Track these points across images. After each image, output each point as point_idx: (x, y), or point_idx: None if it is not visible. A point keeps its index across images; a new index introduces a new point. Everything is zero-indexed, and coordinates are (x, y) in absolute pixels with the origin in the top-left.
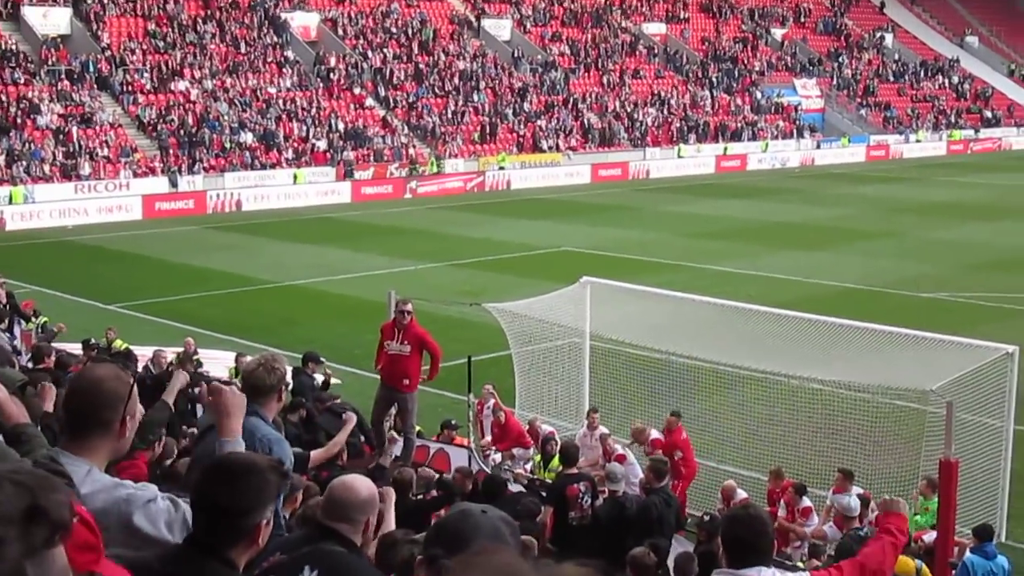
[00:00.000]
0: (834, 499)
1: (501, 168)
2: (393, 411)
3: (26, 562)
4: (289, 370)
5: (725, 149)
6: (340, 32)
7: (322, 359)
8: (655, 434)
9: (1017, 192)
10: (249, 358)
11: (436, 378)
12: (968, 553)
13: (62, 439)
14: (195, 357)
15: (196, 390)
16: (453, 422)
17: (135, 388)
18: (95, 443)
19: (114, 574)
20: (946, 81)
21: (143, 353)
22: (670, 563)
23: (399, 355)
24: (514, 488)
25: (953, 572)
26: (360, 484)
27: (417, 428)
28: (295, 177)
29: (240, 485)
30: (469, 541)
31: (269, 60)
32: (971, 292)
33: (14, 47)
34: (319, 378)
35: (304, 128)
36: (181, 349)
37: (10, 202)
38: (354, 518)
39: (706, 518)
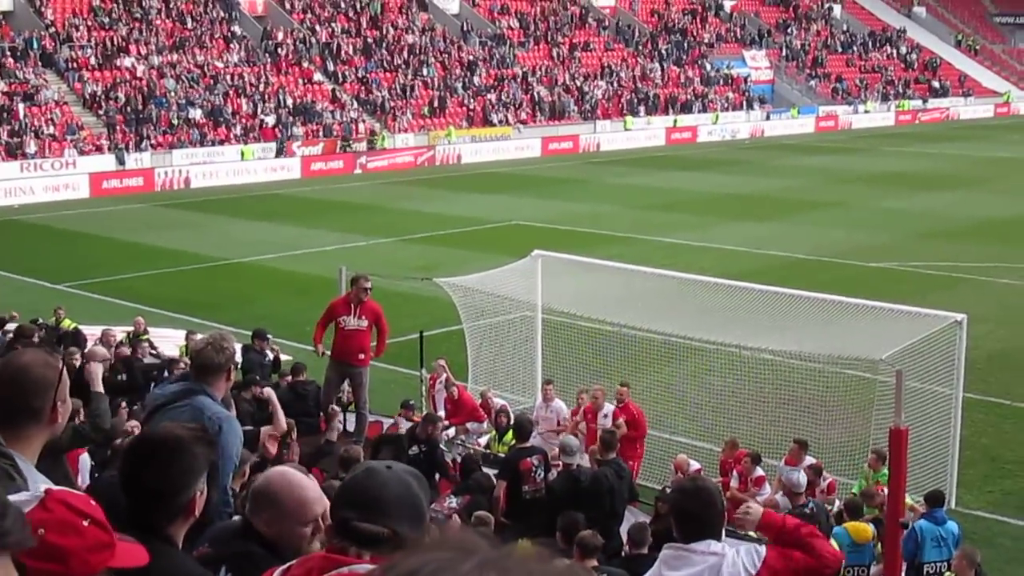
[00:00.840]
0: (782, 471)
1: (449, 141)
2: (346, 386)
3: None
4: (239, 348)
5: (675, 121)
6: (287, 6)
7: (268, 336)
8: (609, 407)
9: (964, 162)
10: (199, 336)
11: (384, 354)
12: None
13: None
14: (145, 336)
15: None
16: (411, 402)
17: (64, 372)
18: (29, 432)
19: (127, 555)
20: (894, 52)
21: (92, 332)
22: (624, 534)
23: (356, 330)
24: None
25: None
26: (281, 480)
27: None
28: (243, 153)
29: (170, 468)
30: (380, 499)
31: (216, 35)
32: (920, 261)
33: None
34: (270, 355)
35: (252, 104)
36: (131, 328)
37: None
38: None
39: (667, 491)
